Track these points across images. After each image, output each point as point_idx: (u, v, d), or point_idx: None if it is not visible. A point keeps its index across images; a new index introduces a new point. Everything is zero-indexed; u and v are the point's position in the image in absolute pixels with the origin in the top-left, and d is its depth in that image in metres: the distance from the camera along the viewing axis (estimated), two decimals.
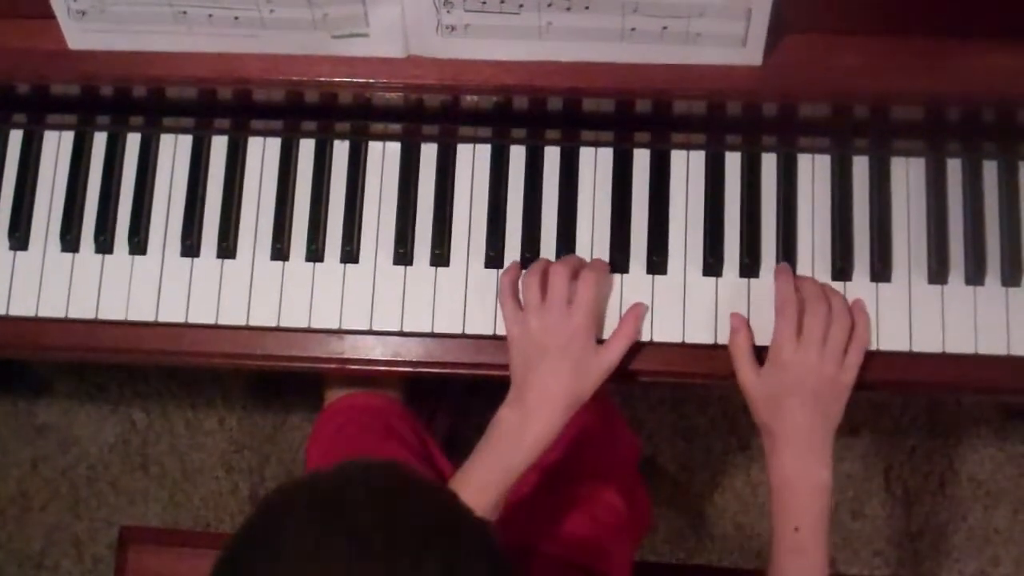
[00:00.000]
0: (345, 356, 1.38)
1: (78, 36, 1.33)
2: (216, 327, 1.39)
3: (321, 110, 1.40)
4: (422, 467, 1.57)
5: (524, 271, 1.33)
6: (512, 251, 1.38)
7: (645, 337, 1.35)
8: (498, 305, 1.35)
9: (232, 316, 1.38)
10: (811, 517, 1.25)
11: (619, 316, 1.35)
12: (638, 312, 1.34)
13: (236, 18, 1.29)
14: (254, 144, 1.43)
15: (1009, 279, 1.35)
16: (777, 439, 1.27)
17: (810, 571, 1.24)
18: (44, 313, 1.40)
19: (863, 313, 1.32)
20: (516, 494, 1.46)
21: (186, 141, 1.43)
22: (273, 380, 2.29)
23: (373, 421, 1.62)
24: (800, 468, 1.25)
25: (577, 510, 1.52)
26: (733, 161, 1.39)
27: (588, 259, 1.36)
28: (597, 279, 1.30)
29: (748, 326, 1.33)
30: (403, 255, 1.38)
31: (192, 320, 1.39)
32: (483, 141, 1.41)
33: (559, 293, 1.28)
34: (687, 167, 1.39)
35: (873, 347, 1.33)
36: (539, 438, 1.26)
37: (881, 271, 1.35)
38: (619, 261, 1.37)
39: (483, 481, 1.26)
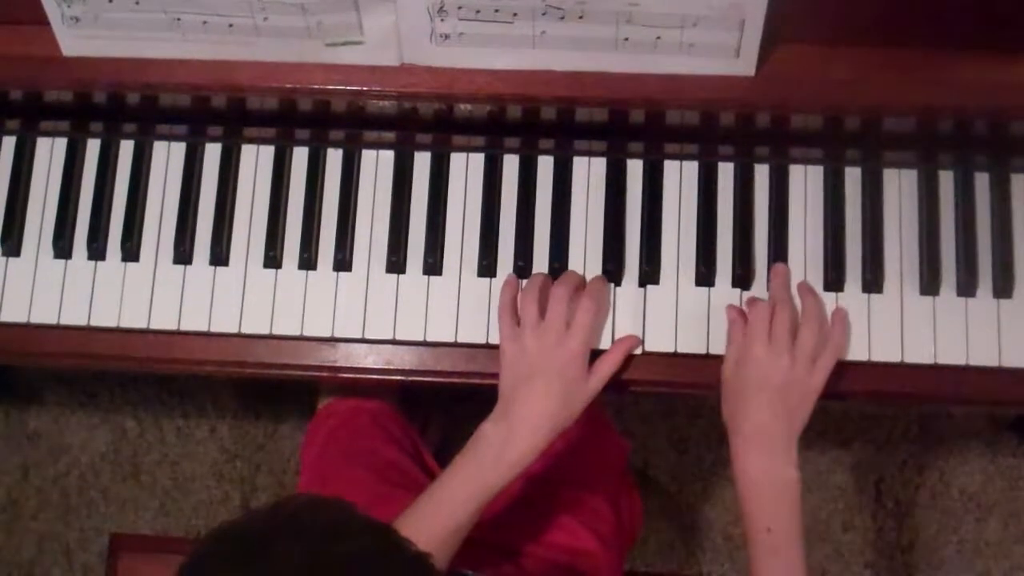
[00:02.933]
0: (338, 364, 1.38)
1: (72, 42, 1.33)
2: (208, 335, 1.39)
3: (315, 118, 1.40)
4: (415, 470, 1.57)
5: (524, 283, 1.33)
6: (505, 260, 1.38)
7: (637, 348, 1.35)
8: (491, 316, 1.35)
9: (224, 324, 1.38)
10: (781, 516, 1.25)
11: (612, 325, 1.35)
12: (629, 344, 1.34)
13: (230, 25, 1.29)
14: (247, 152, 1.43)
15: (1001, 291, 1.35)
16: (740, 436, 1.26)
17: (787, 570, 1.24)
18: (36, 320, 1.39)
19: (842, 321, 1.33)
20: (505, 498, 1.46)
21: (179, 148, 1.43)
22: (264, 389, 2.29)
23: (368, 423, 1.62)
24: (765, 467, 1.25)
25: (564, 516, 1.52)
26: (726, 172, 1.39)
27: (582, 269, 1.37)
28: (596, 307, 1.30)
29: (744, 317, 1.32)
30: (396, 263, 1.38)
31: (184, 327, 1.38)
32: (476, 150, 1.41)
33: (558, 316, 1.28)
34: (680, 177, 1.39)
35: (865, 357, 1.34)
36: (521, 458, 1.26)
37: (873, 282, 1.35)
38: (612, 271, 1.37)
39: (460, 495, 1.25)
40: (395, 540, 0.88)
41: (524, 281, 1.35)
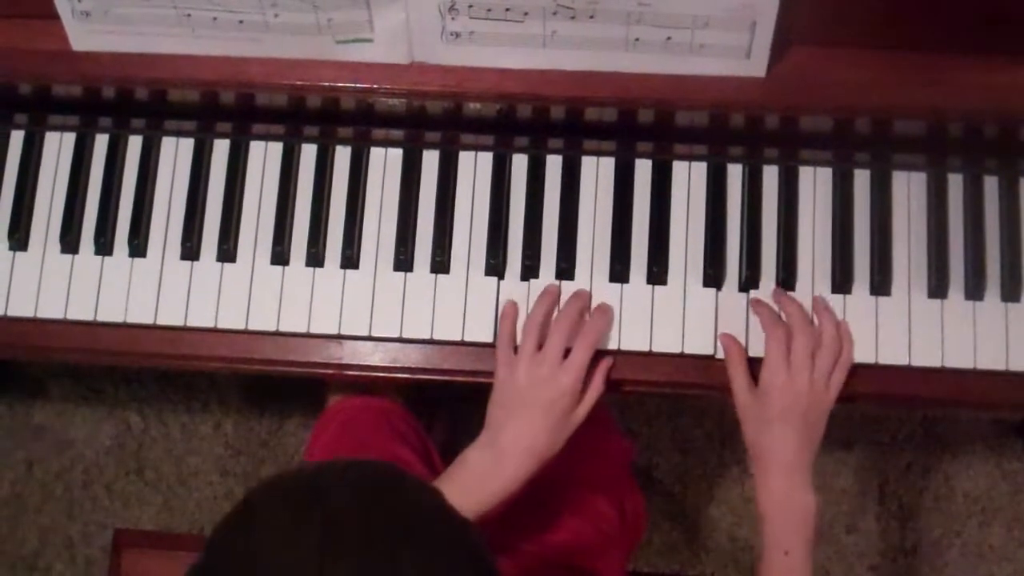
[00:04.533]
0: (344, 362, 1.38)
1: (82, 37, 1.33)
2: (215, 331, 1.38)
3: (323, 115, 1.40)
4: (424, 469, 1.57)
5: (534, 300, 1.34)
6: (513, 260, 1.38)
7: (644, 347, 1.35)
8: (499, 315, 1.36)
9: (231, 320, 1.38)
10: (800, 541, 1.26)
11: (619, 327, 1.35)
12: (606, 369, 1.33)
13: (240, 21, 1.29)
14: (256, 148, 1.42)
15: (1009, 294, 1.35)
16: (766, 462, 1.28)
17: None
18: (43, 314, 1.39)
19: (848, 335, 1.33)
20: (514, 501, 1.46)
21: (188, 144, 1.43)
22: (269, 385, 2.29)
23: (377, 421, 1.62)
24: (788, 492, 1.27)
25: (568, 516, 1.52)
26: (735, 173, 1.39)
27: (589, 269, 1.36)
28: (596, 341, 1.30)
29: (739, 344, 1.33)
30: (403, 261, 1.38)
31: (191, 323, 1.38)
32: (485, 149, 1.41)
33: (554, 349, 1.29)
34: (688, 178, 1.39)
35: (872, 360, 1.34)
36: (506, 487, 1.27)
37: (881, 285, 1.35)
38: (619, 271, 1.36)
39: None
40: (446, 501, 0.88)
41: (531, 293, 1.36)
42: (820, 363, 1.29)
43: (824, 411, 1.30)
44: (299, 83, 1.34)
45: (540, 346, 1.30)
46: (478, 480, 1.26)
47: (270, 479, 0.87)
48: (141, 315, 1.39)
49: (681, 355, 1.35)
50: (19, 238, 1.41)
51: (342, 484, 0.83)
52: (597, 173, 1.40)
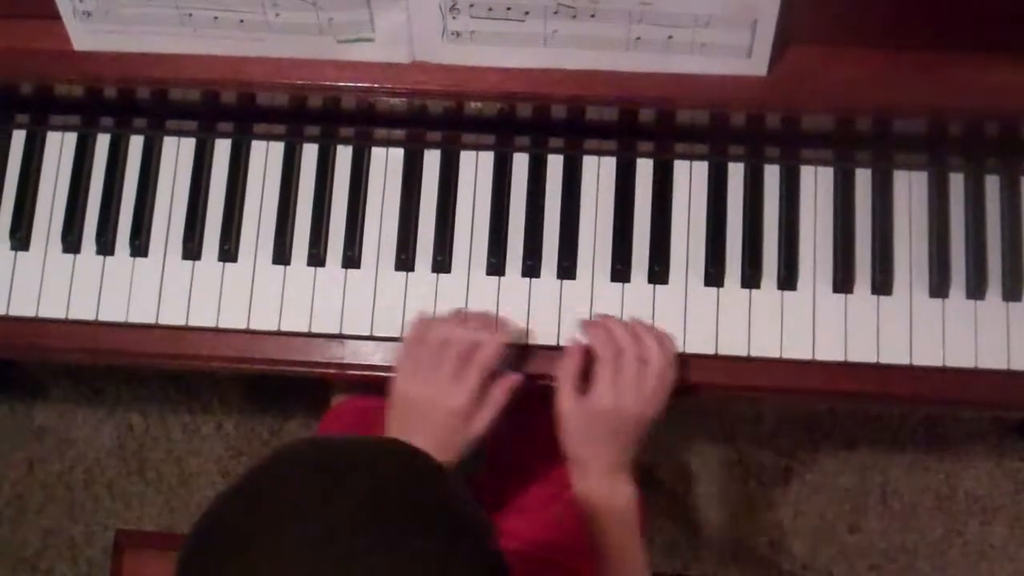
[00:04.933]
0: (345, 361, 1.38)
1: (83, 37, 1.33)
2: (216, 330, 1.39)
3: (325, 114, 1.40)
4: None
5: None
6: (514, 259, 1.38)
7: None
8: (499, 314, 1.36)
9: (233, 320, 1.38)
10: (630, 534, 1.30)
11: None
12: (508, 385, 1.30)
13: (241, 21, 1.29)
14: (257, 148, 1.43)
15: (1010, 293, 1.35)
16: (585, 470, 1.30)
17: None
18: (44, 314, 1.39)
19: (671, 351, 1.32)
20: (505, 500, 1.46)
21: (189, 144, 1.43)
22: (271, 385, 2.29)
23: (382, 422, 1.61)
24: (611, 493, 1.30)
25: (568, 518, 1.51)
26: (736, 172, 1.39)
27: (590, 268, 1.37)
28: (486, 364, 1.27)
29: (582, 354, 1.31)
30: (405, 261, 1.38)
31: (192, 323, 1.38)
32: (486, 148, 1.41)
33: (446, 370, 1.26)
34: (690, 177, 1.39)
35: (873, 360, 1.34)
36: None
37: (882, 284, 1.35)
38: (621, 270, 1.37)
39: None
40: (456, 487, 0.88)
41: (532, 292, 1.37)
42: (645, 383, 1.28)
43: (645, 423, 1.29)
44: (300, 83, 1.34)
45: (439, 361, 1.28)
46: None
47: (278, 454, 0.86)
48: (142, 315, 1.39)
49: (683, 355, 1.35)
50: (21, 238, 1.41)
51: (365, 460, 0.83)
52: (598, 172, 1.40)
